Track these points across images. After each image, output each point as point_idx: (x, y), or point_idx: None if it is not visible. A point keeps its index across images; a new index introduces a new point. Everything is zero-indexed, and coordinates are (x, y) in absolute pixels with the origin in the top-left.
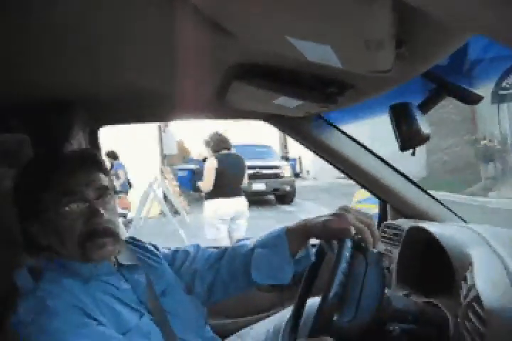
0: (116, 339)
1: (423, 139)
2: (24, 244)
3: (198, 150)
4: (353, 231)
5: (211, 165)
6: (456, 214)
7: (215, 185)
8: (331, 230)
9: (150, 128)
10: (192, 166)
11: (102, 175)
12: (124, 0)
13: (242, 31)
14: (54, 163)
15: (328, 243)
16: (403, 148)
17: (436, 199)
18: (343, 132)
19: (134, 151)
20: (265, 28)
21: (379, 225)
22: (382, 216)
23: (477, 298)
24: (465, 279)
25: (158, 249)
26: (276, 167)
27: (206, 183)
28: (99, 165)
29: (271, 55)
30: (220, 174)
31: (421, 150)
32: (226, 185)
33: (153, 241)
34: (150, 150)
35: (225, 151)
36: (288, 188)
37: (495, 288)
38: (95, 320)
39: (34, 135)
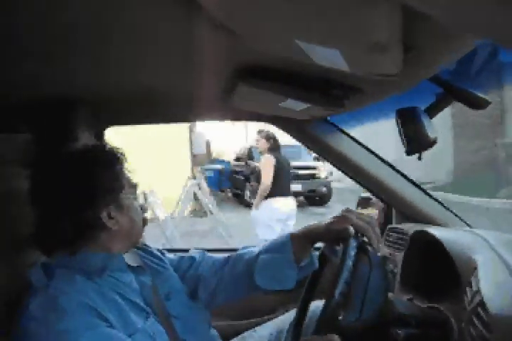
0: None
1: (430, 143)
2: (44, 240)
3: (239, 148)
4: (353, 231)
5: (270, 162)
6: (460, 219)
7: (273, 184)
8: (334, 231)
9: (180, 128)
10: (219, 166)
11: None
12: (131, 1)
13: (250, 33)
14: (116, 159)
15: (331, 247)
16: (409, 152)
17: (441, 203)
18: (348, 135)
19: (164, 151)
20: (273, 31)
21: (383, 229)
22: (387, 220)
23: (482, 303)
24: (470, 284)
25: (163, 254)
26: (312, 167)
27: (266, 180)
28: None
29: (278, 57)
30: (277, 172)
31: (447, 153)
32: (283, 184)
33: (188, 240)
34: (180, 150)
35: (275, 151)
36: (324, 189)
37: (500, 294)
38: (105, 320)
39: (39, 135)
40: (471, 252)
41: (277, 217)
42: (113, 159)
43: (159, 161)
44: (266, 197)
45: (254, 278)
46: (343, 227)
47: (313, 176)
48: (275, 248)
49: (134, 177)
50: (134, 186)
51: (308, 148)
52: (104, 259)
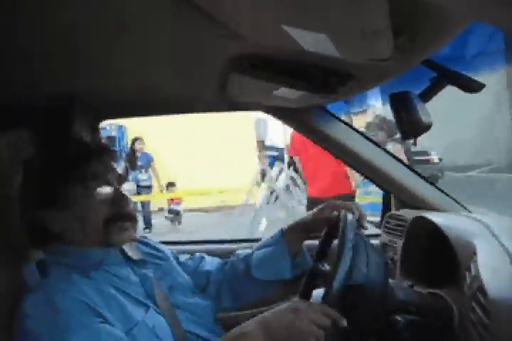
0: (120, 339)
1: (424, 128)
2: (32, 234)
3: None
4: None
5: (398, 149)
6: (460, 204)
7: None
8: (321, 220)
9: (244, 115)
10: (274, 153)
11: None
12: None
13: (240, 23)
14: (80, 150)
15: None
16: (404, 137)
17: (440, 189)
18: (345, 123)
19: (228, 139)
20: (261, 18)
21: (383, 216)
22: (386, 206)
23: (481, 289)
24: (469, 269)
25: (162, 248)
26: (427, 153)
27: None
28: (114, 155)
29: (269, 46)
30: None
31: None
32: None
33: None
34: (244, 137)
35: (396, 136)
36: (439, 175)
37: (499, 279)
38: (101, 316)
39: (35, 131)
40: (471, 237)
41: None
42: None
43: (226, 147)
44: None
45: (252, 271)
46: (331, 214)
47: (429, 161)
48: (268, 242)
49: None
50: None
51: (306, 136)
52: (100, 254)
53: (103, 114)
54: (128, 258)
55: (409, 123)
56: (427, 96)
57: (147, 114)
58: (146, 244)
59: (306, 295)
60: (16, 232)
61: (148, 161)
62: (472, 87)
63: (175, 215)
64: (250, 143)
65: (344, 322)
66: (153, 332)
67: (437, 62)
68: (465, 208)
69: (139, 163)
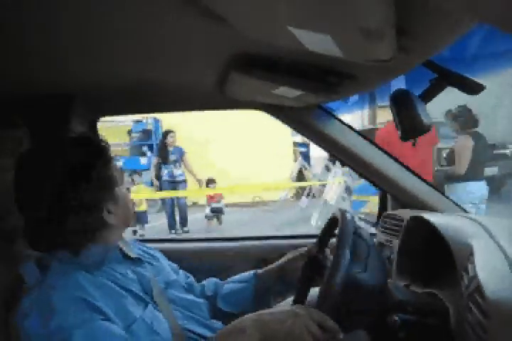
0: (119, 336)
1: (424, 129)
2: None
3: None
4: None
5: (467, 144)
6: (457, 204)
7: (471, 166)
8: (294, 266)
9: None
10: (303, 149)
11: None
12: None
13: (241, 21)
14: (95, 153)
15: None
16: (404, 138)
17: (437, 189)
18: (342, 122)
19: (261, 135)
20: (265, 18)
21: (379, 215)
22: (382, 206)
23: (478, 289)
24: (466, 270)
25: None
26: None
27: (463, 164)
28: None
29: (270, 45)
30: (475, 154)
31: None
32: (479, 167)
33: None
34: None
35: (474, 130)
36: None
37: (497, 279)
38: (101, 313)
39: (33, 128)
40: (467, 238)
41: (471, 201)
42: (107, 151)
43: (263, 145)
44: (459, 181)
45: (218, 302)
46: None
47: (506, 156)
48: (239, 279)
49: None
50: (122, 172)
51: (302, 135)
52: (102, 252)
53: (100, 111)
54: (125, 257)
55: (409, 124)
56: (427, 97)
57: (146, 110)
58: (137, 245)
59: (301, 300)
60: (10, 227)
61: (181, 155)
62: (472, 88)
63: (216, 214)
64: (283, 139)
65: (341, 336)
66: (151, 328)
67: (437, 63)
68: (462, 208)
69: (172, 157)
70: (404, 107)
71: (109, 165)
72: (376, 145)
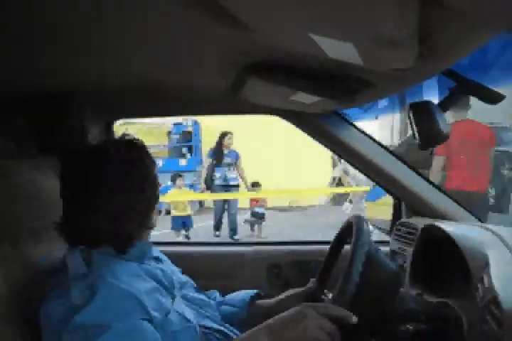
0: (152, 338)
1: (443, 138)
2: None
3: None
4: None
5: None
6: (471, 213)
7: None
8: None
9: None
10: None
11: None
12: None
13: (262, 26)
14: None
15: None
16: (423, 147)
17: (452, 198)
18: (358, 129)
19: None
20: (287, 24)
21: (393, 223)
22: (396, 214)
23: (494, 300)
24: (481, 280)
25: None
26: None
27: None
28: None
29: (290, 51)
30: None
31: None
32: None
33: None
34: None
35: None
36: None
37: None
38: (143, 308)
39: (44, 129)
40: (483, 248)
41: None
42: (147, 153)
43: (301, 151)
44: None
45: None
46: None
47: None
48: (234, 303)
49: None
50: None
51: (318, 141)
52: (142, 247)
53: (116, 113)
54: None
55: (429, 133)
56: (445, 105)
57: (162, 114)
58: None
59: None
60: (21, 225)
61: (236, 159)
62: (491, 97)
63: (257, 219)
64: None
65: (354, 319)
66: (184, 317)
67: (457, 71)
68: (477, 218)
69: (227, 160)
70: (423, 116)
71: (155, 166)
72: (391, 153)
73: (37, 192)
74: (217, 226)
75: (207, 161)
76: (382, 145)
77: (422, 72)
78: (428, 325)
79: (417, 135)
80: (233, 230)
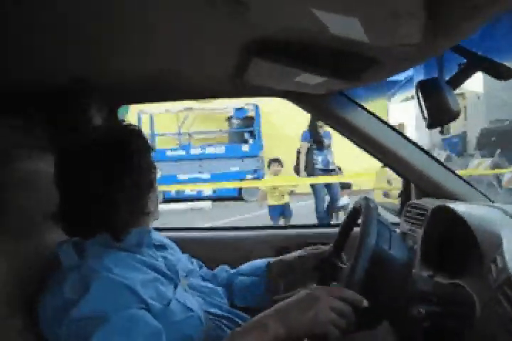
0: (153, 326)
1: (453, 116)
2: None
3: None
4: None
5: None
6: (482, 194)
7: None
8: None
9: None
10: None
11: None
12: None
13: (263, 4)
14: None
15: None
16: (431, 125)
17: (462, 178)
18: (365, 109)
19: None
20: (288, 1)
21: (403, 205)
22: (406, 195)
23: (509, 281)
24: (495, 261)
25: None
26: None
27: None
28: None
29: (292, 30)
30: None
31: None
32: None
33: None
34: None
35: None
36: None
37: None
38: (139, 298)
39: (52, 119)
40: (496, 228)
41: None
42: (145, 139)
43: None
44: None
45: (233, 297)
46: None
47: None
48: (251, 272)
49: None
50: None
51: (324, 122)
52: (140, 236)
53: (120, 99)
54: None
55: (438, 111)
56: (456, 82)
57: (165, 98)
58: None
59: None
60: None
61: (330, 141)
62: (503, 73)
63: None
64: None
65: (365, 303)
66: (185, 306)
67: (466, 47)
68: (487, 198)
69: (327, 142)
70: (432, 93)
71: (150, 153)
72: (400, 133)
73: (40, 183)
74: (320, 215)
75: (303, 145)
76: (389, 125)
77: (430, 47)
78: (440, 307)
79: (425, 113)
80: (331, 215)
